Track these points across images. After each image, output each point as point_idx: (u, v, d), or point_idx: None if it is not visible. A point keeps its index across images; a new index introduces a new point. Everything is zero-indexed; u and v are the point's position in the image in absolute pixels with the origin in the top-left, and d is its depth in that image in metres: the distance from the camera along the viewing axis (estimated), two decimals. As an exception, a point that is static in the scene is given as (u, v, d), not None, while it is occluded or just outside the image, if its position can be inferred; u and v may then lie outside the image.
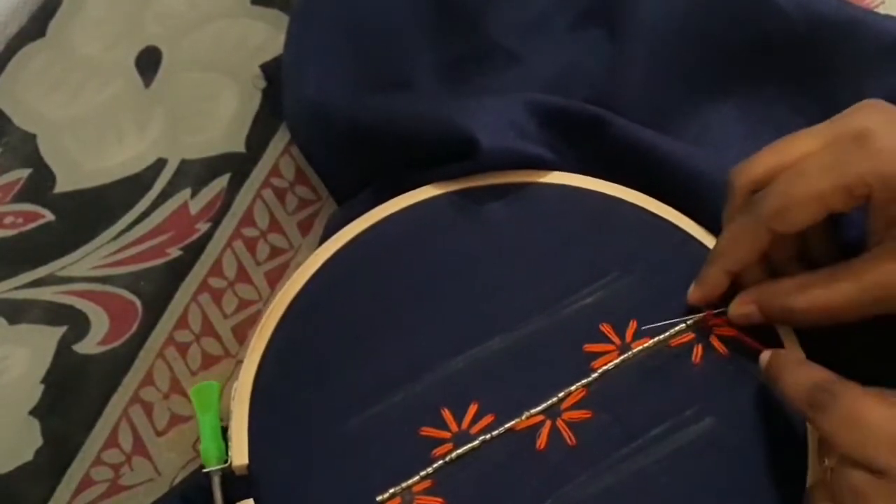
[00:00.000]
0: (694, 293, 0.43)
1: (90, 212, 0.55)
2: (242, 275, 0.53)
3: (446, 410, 0.42)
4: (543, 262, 0.46)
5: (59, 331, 0.52)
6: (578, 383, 0.43)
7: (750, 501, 0.40)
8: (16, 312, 0.53)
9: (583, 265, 0.46)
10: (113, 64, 0.61)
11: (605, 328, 0.44)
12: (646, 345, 0.44)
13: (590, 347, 0.44)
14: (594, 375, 0.43)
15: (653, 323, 0.44)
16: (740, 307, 0.42)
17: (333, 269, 0.46)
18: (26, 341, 0.52)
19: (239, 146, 0.57)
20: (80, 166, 0.57)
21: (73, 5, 0.63)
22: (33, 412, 0.50)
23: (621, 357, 0.43)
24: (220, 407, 0.44)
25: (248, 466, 0.41)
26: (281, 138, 0.58)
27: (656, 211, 0.47)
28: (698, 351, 0.43)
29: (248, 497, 0.41)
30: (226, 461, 0.42)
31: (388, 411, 0.42)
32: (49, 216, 0.56)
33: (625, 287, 0.45)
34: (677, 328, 0.44)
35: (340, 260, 0.46)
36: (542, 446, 0.42)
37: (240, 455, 0.41)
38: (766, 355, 0.40)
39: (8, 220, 0.56)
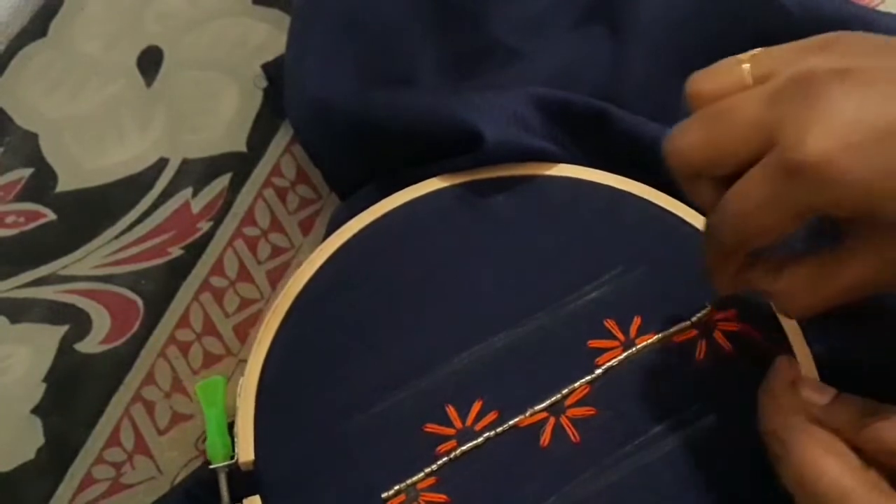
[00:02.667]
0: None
1: (92, 211, 0.56)
2: (244, 274, 0.53)
3: (450, 407, 0.42)
4: (548, 256, 0.46)
5: (61, 330, 0.52)
6: (582, 380, 0.43)
7: (753, 499, 0.40)
8: (17, 311, 0.53)
9: (588, 260, 0.46)
10: (114, 63, 0.61)
11: (610, 324, 0.44)
12: (650, 341, 0.43)
13: (594, 343, 0.44)
14: (598, 372, 0.43)
15: (657, 319, 0.44)
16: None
17: (337, 264, 0.46)
18: (28, 340, 0.52)
19: (240, 145, 0.58)
20: (81, 166, 0.57)
21: (75, 5, 0.63)
22: (35, 411, 0.50)
23: (625, 353, 0.43)
24: (225, 402, 0.44)
25: (254, 463, 0.41)
26: (282, 137, 0.58)
27: (663, 204, 0.47)
28: (702, 347, 0.43)
29: (253, 493, 0.41)
30: (232, 457, 0.42)
31: (392, 408, 0.42)
32: (51, 215, 0.56)
33: (630, 282, 0.45)
34: (681, 325, 0.44)
35: (344, 255, 0.46)
36: (545, 443, 0.42)
37: (246, 451, 0.42)
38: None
39: (9, 219, 0.56)
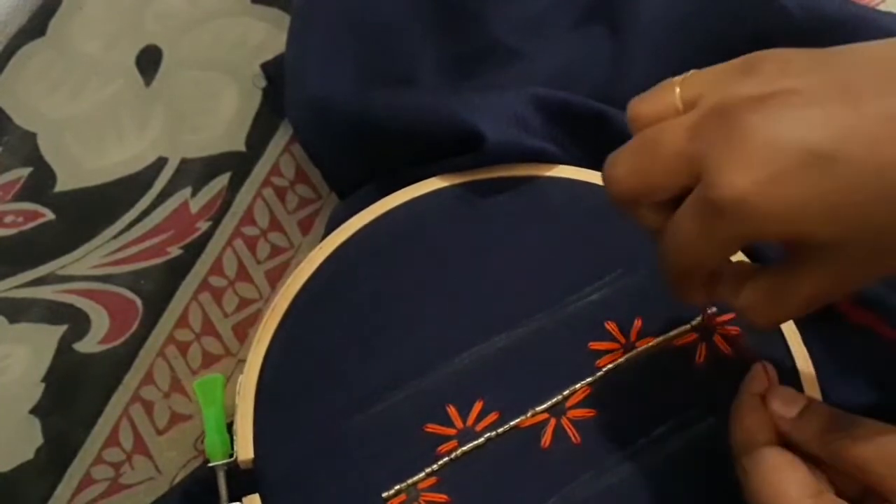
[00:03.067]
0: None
1: (90, 211, 0.55)
2: (243, 274, 0.53)
3: (451, 407, 0.42)
4: (549, 257, 0.46)
5: (60, 330, 0.52)
6: (583, 381, 0.43)
7: None
8: (16, 311, 0.52)
9: (588, 262, 0.46)
10: (113, 63, 0.61)
11: (611, 326, 0.44)
12: (650, 344, 0.43)
13: (595, 345, 0.44)
14: (599, 374, 0.43)
15: (657, 322, 0.44)
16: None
17: (336, 263, 0.46)
18: (27, 340, 0.52)
19: (239, 145, 0.57)
20: (80, 165, 0.57)
21: (73, 4, 0.63)
22: (34, 411, 0.50)
23: (626, 356, 0.43)
24: (224, 400, 0.44)
25: (254, 461, 0.41)
26: (281, 137, 0.58)
27: None
28: (702, 351, 0.43)
29: (253, 492, 0.41)
30: (231, 455, 0.42)
31: (393, 408, 0.42)
32: (49, 215, 0.56)
33: (630, 285, 0.45)
34: (681, 328, 0.44)
35: (343, 254, 0.46)
36: (546, 444, 0.42)
37: (245, 449, 0.41)
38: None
39: (8, 219, 0.55)
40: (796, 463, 0.34)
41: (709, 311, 0.44)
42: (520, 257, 0.46)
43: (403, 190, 0.48)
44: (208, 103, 0.59)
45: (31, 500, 0.48)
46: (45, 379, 0.51)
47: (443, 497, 0.41)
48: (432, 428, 0.42)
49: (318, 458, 0.42)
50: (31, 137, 0.58)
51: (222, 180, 0.56)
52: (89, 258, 0.54)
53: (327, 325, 0.45)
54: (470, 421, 0.42)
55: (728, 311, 0.44)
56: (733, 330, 0.43)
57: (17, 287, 0.53)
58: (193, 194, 0.56)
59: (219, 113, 0.59)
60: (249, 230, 0.55)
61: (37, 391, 0.50)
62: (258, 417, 0.42)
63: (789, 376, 0.42)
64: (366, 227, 0.47)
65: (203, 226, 0.55)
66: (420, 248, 0.46)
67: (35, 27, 0.62)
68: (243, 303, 0.52)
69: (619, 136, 0.48)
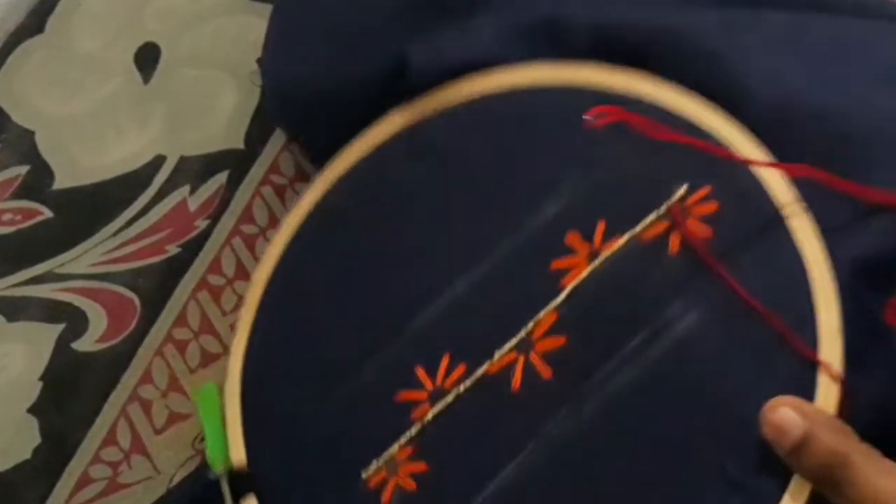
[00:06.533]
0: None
1: (88, 209, 0.55)
2: (241, 272, 0.53)
3: (420, 369, 0.40)
4: (500, 179, 0.42)
5: (58, 328, 0.52)
6: (547, 308, 0.38)
7: (748, 400, 0.35)
8: (14, 310, 0.52)
9: (542, 173, 0.41)
10: (112, 60, 0.61)
11: (572, 238, 0.39)
12: (616, 246, 0.38)
13: (557, 264, 0.39)
14: (563, 295, 0.38)
15: (623, 219, 0.38)
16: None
17: (294, 251, 0.44)
18: (25, 339, 0.52)
19: (238, 143, 0.57)
20: (78, 163, 0.57)
21: (72, 2, 0.63)
22: (32, 410, 0.50)
23: (591, 266, 0.38)
24: (221, 407, 0.44)
25: (247, 463, 0.41)
26: (280, 135, 0.57)
27: (619, 89, 0.41)
28: (675, 240, 0.37)
29: (249, 491, 0.40)
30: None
31: (364, 383, 0.40)
32: (47, 213, 0.55)
33: (588, 185, 0.40)
34: (648, 218, 0.38)
35: (299, 240, 0.45)
36: (517, 387, 0.38)
37: (238, 453, 0.41)
38: (773, 410, 0.34)
39: (6, 217, 0.55)
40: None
41: (678, 192, 0.38)
42: (468, 191, 0.42)
43: (335, 160, 0.45)
44: (207, 101, 0.59)
45: (29, 500, 0.48)
46: (43, 378, 0.51)
47: (421, 466, 0.38)
48: (405, 395, 0.40)
49: (302, 448, 0.41)
50: (29, 135, 0.58)
51: (221, 178, 0.56)
52: (87, 256, 0.54)
53: (291, 316, 0.43)
54: (439, 379, 0.39)
55: (702, 186, 0.38)
56: (710, 207, 0.37)
57: (15, 285, 0.53)
58: (192, 192, 0.56)
59: (217, 111, 0.58)
60: (248, 228, 0.54)
61: (34, 390, 0.50)
62: (246, 419, 0.42)
63: (792, 280, 0.36)
64: (312, 210, 0.45)
65: (201, 224, 0.54)
66: (364, 214, 0.44)
67: (34, 24, 0.62)
68: (242, 301, 0.52)
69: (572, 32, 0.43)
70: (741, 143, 0.38)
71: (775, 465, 0.33)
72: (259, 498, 0.40)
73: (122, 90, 0.60)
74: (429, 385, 0.39)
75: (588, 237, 0.39)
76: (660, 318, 0.37)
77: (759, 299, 0.35)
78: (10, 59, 0.61)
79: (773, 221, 0.37)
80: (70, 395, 0.50)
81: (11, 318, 0.52)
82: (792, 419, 0.33)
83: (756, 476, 0.34)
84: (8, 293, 0.53)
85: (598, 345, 0.37)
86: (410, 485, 0.39)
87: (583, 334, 0.38)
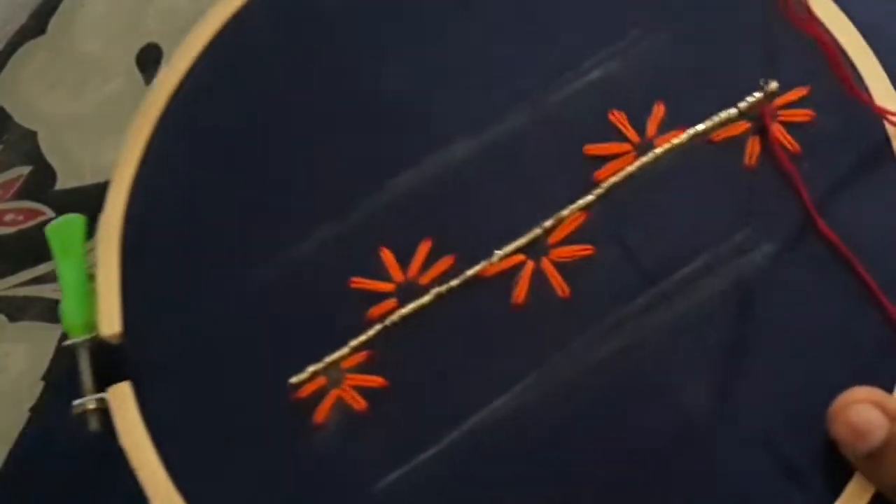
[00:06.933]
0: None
1: (91, 209, 0.55)
2: (243, 272, 0.53)
3: (386, 251, 0.30)
4: (528, 20, 0.32)
5: (60, 328, 0.52)
6: (574, 205, 0.29)
7: (820, 371, 0.28)
8: (16, 310, 0.52)
9: (589, 21, 0.31)
10: (114, 61, 0.61)
11: (617, 117, 0.31)
12: (676, 140, 0.30)
13: (592, 149, 0.30)
14: (598, 191, 0.30)
15: (688, 107, 0.30)
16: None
17: (212, 55, 0.34)
18: (27, 338, 0.52)
19: (240, 143, 0.57)
20: (80, 163, 0.57)
21: (74, 2, 0.63)
22: (33, 410, 0.50)
23: (639, 161, 0.30)
24: (86, 251, 0.33)
25: (122, 335, 0.31)
26: (282, 135, 0.58)
27: None
28: (753, 147, 0.30)
29: (121, 379, 0.31)
30: (95, 329, 0.32)
31: (304, 258, 0.30)
32: (50, 213, 0.55)
33: (649, 52, 0.30)
34: (725, 113, 0.30)
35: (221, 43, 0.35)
36: (520, 299, 0.30)
37: (109, 321, 0.31)
38: (849, 406, 0.27)
39: (8, 217, 0.55)
40: None
41: (766, 87, 0.30)
42: (483, 24, 0.32)
43: None
44: (209, 102, 0.59)
45: (31, 499, 0.47)
46: (45, 377, 0.50)
47: (377, 380, 0.29)
48: (360, 283, 0.30)
49: (205, 331, 0.30)
50: (31, 136, 0.58)
51: (223, 179, 0.56)
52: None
53: (206, 149, 0.32)
54: (413, 271, 0.30)
55: (795, 85, 0.30)
56: (801, 114, 0.30)
57: (17, 286, 0.53)
58: (194, 193, 0.56)
59: (219, 111, 0.59)
60: (250, 229, 0.54)
61: (36, 390, 0.50)
62: (126, 275, 0.31)
63: (893, 237, 0.29)
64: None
65: (203, 224, 0.54)
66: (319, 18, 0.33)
67: (36, 25, 0.62)
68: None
69: None
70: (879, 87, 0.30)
71: (835, 459, 0.27)
72: (136, 386, 0.30)
73: (124, 91, 0.60)
74: (397, 276, 0.30)
75: (639, 121, 0.30)
76: (720, 245, 0.29)
77: (849, 247, 0.29)
78: (12, 61, 0.61)
79: (885, 164, 0.29)
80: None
81: (14, 318, 0.52)
82: (874, 420, 0.26)
83: (808, 466, 0.28)
84: (10, 293, 0.53)
85: (636, 267, 0.29)
86: (359, 402, 0.29)
87: (618, 250, 0.29)
